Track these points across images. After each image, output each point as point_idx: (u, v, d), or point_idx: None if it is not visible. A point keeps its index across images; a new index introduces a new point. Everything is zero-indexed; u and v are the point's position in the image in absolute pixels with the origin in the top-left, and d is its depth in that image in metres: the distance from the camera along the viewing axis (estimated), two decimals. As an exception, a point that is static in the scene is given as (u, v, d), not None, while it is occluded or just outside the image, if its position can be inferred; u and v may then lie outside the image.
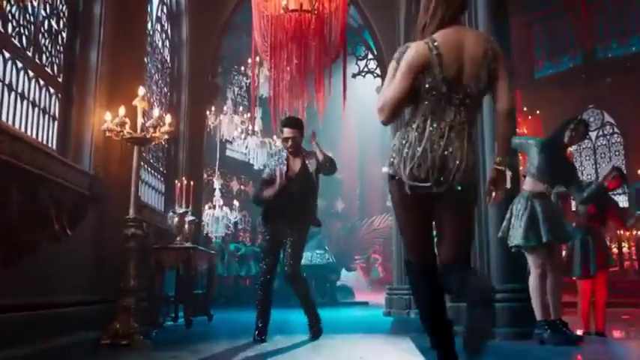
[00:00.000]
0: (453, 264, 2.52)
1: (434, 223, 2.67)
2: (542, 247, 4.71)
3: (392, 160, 2.58)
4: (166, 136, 4.96)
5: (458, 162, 2.47)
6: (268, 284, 5.16)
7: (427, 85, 2.51)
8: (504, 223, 4.93)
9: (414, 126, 2.54)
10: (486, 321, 2.43)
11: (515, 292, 5.22)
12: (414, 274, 2.68)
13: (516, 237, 4.75)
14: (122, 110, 4.70)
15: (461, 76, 2.52)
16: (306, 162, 5.26)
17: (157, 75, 8.01)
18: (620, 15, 17.88)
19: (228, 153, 16.48)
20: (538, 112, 16.90)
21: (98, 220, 5.15)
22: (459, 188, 2.48)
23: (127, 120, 4.75)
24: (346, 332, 6.09)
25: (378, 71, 9.83)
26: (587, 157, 18.84)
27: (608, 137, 18.67)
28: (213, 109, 11.16)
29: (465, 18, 5.85)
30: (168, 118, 4.95)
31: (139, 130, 4.76)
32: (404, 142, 2.55)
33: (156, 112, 4.86)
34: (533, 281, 4.78)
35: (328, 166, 5.22)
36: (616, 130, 18.49)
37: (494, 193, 2.65)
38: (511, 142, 2.85)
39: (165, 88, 8.48)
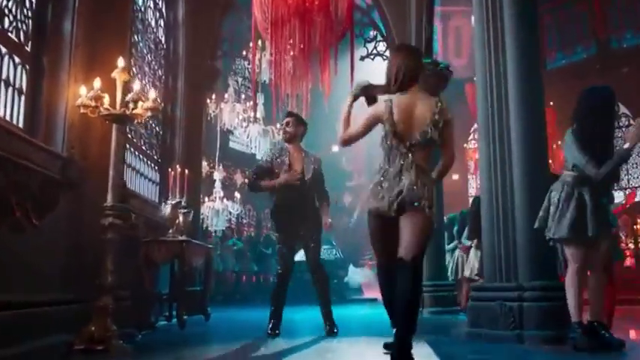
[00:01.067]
0: (403, 262, 3.23)
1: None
2: (585, 241, 4.04)
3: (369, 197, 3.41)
4: (149, 114, 4.34)
5: (408, 188, 3.26)
6: (284, 283, 5.26)
7: (384, 134, 3.38)
8: (541, 213, 4.25)
9: (381, 171, 3.39)
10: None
11: (545, 289, 4.57)
12: (381, 272, 3.57)
13: (561, 230, 4.06)
14: (97, 83, 4.08)
15: (408, 131, 3.34)
16: (306, 163, 5.33)
17: (149, 55, 7.39)
18: (634, 4, 17.22)
19: (231, 145, 15.86)
20: (552, 103, 16.22)
21: (75, 208, 4.52)
22: (415, 204, 3.26)
23: (106, 95, 4.13)
24: (354, 334, 5.53)
25: (387, 54, 9.18)
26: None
27: (624, 129, 17.93)
28: (214, 97, 10.54)
29: (489, 11, 5.17)
30: (152, 93, 4.33)
31: (118, 106, 4.13)
32: (375, 183, 3.40)
33: (137, 84, 4.22)
34: (570, 277, 4.10)
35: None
36: (632, 122, 17.78)
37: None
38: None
39: (159, 71, 7.87)
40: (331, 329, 5.21)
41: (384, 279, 3.56)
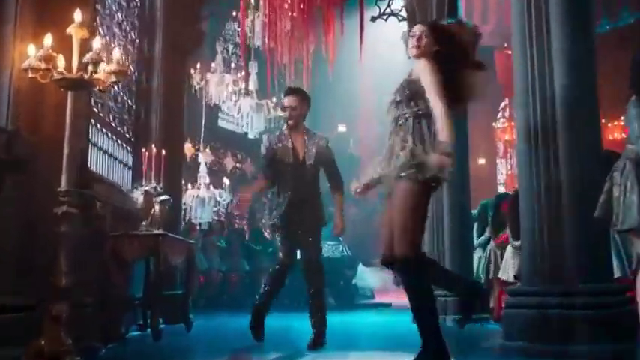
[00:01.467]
0: None
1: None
2: None
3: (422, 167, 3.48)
4: (114, 79, 4.05)
5: None
6: (280, 274, 5.30)
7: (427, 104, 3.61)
8: (602, 197, 3.97)
9: (431, 138, 3.61)
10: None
11: (599, 294, 4.34)
12: (420, 266, 3.53)
13: (630, 218, 3.79)
14: (49, 39, 3.80)
15: None
16: (308, 147, 5.24)
17: (119, 14, 7.11)
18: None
19: (220, 123, 15.56)
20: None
21: (24, 193, 4.26)
22: None
23: (60, 57, 3.86)
24: (364, 347, 5.45)
25: (403, 13, 8.85)
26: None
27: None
28: (198, 66, 10.25)
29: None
30: (116, 53, 4.05)
31: (74, 70, 3.86)
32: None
33: (97, 42, 3.94)
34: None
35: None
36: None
37: None
38: None
39: (132, 33, 7.58)
40: (318, 340, 5.00)
41: (422, 276, 3.59)
